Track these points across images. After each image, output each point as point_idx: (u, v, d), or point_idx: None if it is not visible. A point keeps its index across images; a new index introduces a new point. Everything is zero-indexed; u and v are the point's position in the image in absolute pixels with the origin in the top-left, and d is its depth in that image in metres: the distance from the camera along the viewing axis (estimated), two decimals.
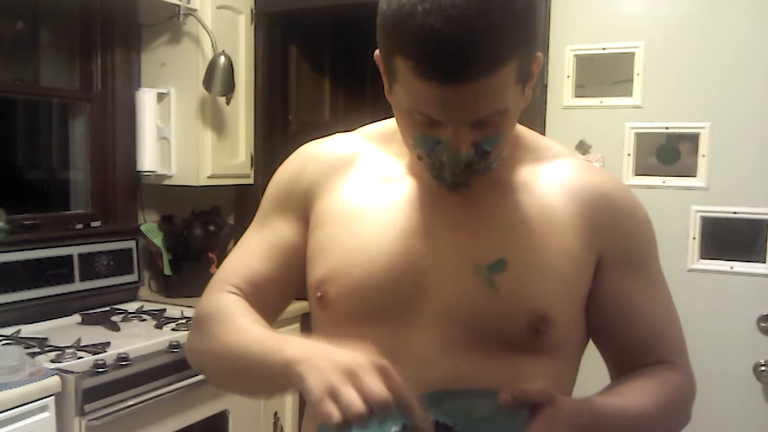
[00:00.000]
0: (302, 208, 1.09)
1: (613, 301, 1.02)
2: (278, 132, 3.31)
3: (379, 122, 1.12)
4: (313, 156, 1.12)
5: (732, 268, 2.36)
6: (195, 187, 2.92)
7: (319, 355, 0.83)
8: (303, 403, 1.15)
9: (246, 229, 1.17)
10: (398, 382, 0.81)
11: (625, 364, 1.05)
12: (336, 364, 0.80)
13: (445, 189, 0.98)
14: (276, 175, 1.15)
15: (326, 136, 1.16)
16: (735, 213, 2.35)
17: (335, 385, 0.78)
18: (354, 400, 0.77)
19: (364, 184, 1.06)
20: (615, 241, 1.01)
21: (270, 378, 0.90)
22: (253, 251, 1.12)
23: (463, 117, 0.87)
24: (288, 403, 2.97)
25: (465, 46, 0.79)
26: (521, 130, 1.08)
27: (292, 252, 1.09)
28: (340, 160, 1.09)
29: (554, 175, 1.03)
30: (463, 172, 0.94)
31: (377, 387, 0.78)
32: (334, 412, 0.77)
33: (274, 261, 1.09)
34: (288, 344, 0.88)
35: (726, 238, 2.40)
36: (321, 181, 1.08)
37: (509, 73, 0.84)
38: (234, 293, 1.08)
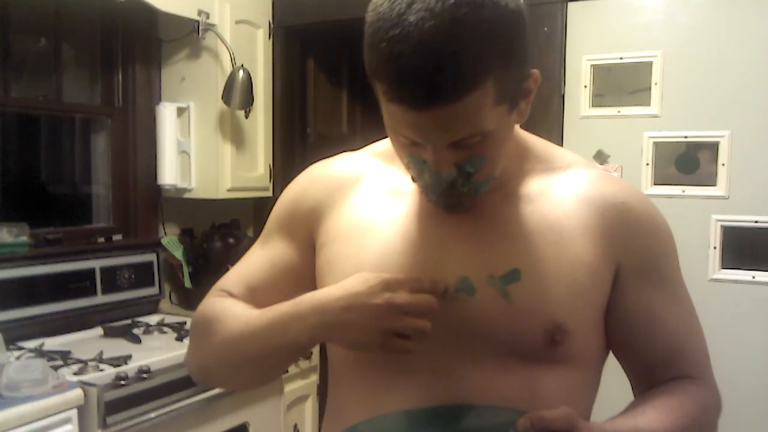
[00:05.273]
0: (305, 228, 1.09)
1: (633, 313, 0.99)
2: (296, 145, 3.33)
3: (385, 139, 1.11)
4: (318, 176, 1.12)
5: (754, 277, 2.34)
6: (214, 200, 2.95)
7: (334, 310, 0.89)
8: (322, 414, 1.15)
9: None
10: (409, 280, 0.89)
11: (647, 378, 1.02)
12: (361, 308, 0.87)
13: (441, 209, 0.97)
14: (282, 195, 1.15)
15: (344, 148, 1.16)
16: (756, 222, 2.33)
17: (383, 327, 0.86)
18: (410, 323, 0.86)
19: (372, 198, 1.05)
20: (633, 251, 0.99)
21: (284, 349, 0.97)
22: (252, 264, 1.13)
23: (438, 139, 0.86)
24: (308, 415, 2.98)
25: (431, 73, 0.79)
26: (531, 139, 1.06)
27: (291, 271, 1.09)
28: (347, 178, 1.09)
29: (568, 185, 1.01)
30: (447, 193, 0.93)
31: (409, 299, 0.87)
32: (405, 345, 0.87)
33: (272, 276, 1.10)
34: (293, 313, 0.93)
35: (747, 248, 2.37)
36: (326, 200, 1.08)
37: (484, 95, 0.82)
38: (226, 297, 1.09)
